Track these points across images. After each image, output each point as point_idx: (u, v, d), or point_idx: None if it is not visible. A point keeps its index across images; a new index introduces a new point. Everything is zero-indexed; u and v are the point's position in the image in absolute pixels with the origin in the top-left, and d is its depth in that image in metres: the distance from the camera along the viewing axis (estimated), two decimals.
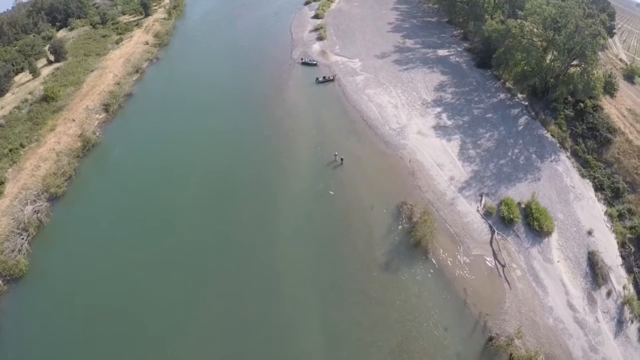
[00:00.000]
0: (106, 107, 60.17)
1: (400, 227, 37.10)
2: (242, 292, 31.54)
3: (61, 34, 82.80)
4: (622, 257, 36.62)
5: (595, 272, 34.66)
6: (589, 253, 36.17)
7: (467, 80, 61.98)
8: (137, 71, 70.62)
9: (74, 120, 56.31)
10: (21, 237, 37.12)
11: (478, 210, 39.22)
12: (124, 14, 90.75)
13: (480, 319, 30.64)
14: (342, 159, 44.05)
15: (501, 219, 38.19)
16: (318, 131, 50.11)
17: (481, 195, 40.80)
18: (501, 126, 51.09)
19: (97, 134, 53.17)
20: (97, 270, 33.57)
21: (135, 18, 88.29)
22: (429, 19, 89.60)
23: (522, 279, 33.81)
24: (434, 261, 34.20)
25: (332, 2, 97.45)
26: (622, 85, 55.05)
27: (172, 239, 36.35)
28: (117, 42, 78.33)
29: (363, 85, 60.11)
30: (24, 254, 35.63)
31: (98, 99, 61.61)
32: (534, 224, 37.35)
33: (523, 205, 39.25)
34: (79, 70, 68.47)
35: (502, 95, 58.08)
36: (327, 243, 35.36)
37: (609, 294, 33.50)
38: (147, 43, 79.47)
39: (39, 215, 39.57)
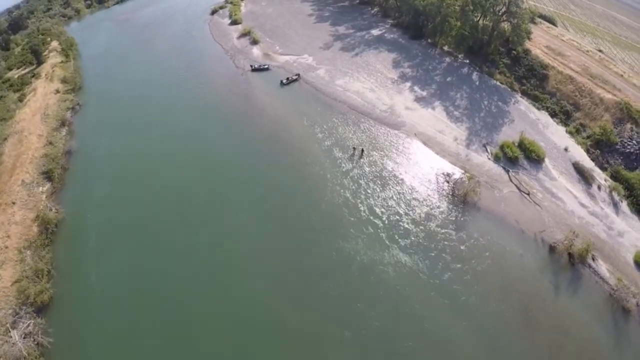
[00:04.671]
0: (48, 175, 54.11)
1: (444, 191, 45.71)
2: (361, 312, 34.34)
3: None
4: (593, 160, 51.40)
5: (584, 176, 48.43)
6: (573, 164, 49.98)
7: (412, 52, 73.36)
8: (63, 124, 64.82)
9: (14, 203, 50.12)
10: None
11: (489, 158, 50.15)
12: (10, 69, 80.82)
13: (537, 237, 41.26)
14: (362, 150, 50.56)
15: (508, 159, 49.70)
16: (319, 132, 54.59)
17: (484, 146, 51.91)
18: (463, 85, 63.45)
19: (54, 209, 47.18)
20: None
21: (28, 69, 79.61)
22: (342, 3, 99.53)
23: (545, 199, 45.63)
24: (485, 208, 43.76)
25: (239, 7, 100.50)
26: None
27: (220, 328, 33.61)
28: (20, 100, 70.47)
29: (330, 78, 66.69)
30: None
31: (33, 168, 55.41)
32: (532, 155, 49.75)
33: (517, 144, 51.42)
34: None
35: (447, 59, 70.89)
36: (397, 228, 41.31)
37: (599, 188, 47.51)
38: (58, 91, 72.78)
39: (33, 338, 33.01)
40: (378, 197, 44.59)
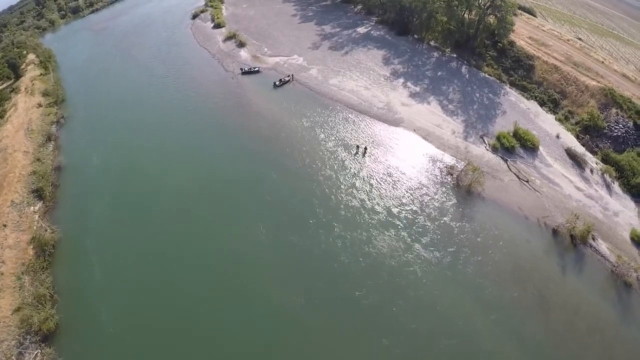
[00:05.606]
0: (39, 193, 52.60)
1: (450, 184, 47.66)
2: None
3: None
4: (583, 145, 54.52)
5: (577, 161, 51.40)
6: (565, 150, 52.90)
7: (400, 49, 75.33)
8: (49, 139, 63.34)
9: (5, 226, 48.73)
10: None
11: (487, 149, 52.49)
12: None
13: (540, 222, 43.74)
14: (365, 148, 51.97)
15: (505, 149, 52.18)
16: (320, 133, 55.40)
17: (482, 137, 54.25)
18: (454, 79, 65.80)
19: (50, 229, 45.11)
20: None
21: (6, 84, 77.72)
22: (325, 2, 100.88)
23: (543, 185, 48.25)
24: (489, 198, 45.95)
25: (220, 10, 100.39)
26: None
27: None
28: (0, 116, 68.68)
29: (323, 78, 67.82)
30: None
31: (21, 187, 53.74)
32: (527, 144, 52.39)
33: (512, 134, 53.98)
34: None
35: (435, 54, 73.19)
36: (416, 226, 42.50)
37: (592, 171, 50.54)
38: (40, 105, 71.26)
39: None
40: (392, 197, 45.91)
